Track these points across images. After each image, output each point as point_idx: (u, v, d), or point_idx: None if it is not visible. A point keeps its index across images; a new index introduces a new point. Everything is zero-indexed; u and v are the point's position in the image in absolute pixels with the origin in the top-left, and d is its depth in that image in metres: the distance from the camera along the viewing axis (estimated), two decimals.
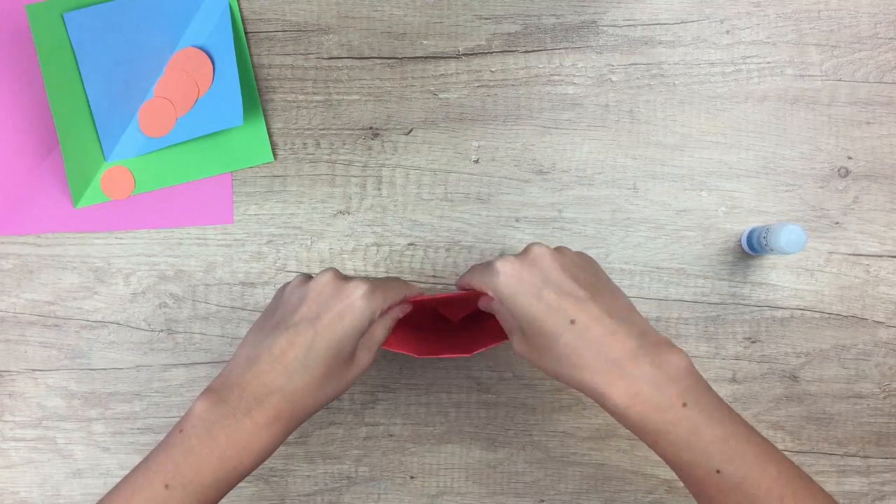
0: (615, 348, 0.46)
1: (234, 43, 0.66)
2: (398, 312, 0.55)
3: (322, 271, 0.52)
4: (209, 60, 0.66)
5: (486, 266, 0.53)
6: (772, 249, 0.62)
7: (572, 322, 0.47)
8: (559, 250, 0.52)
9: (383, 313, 0.53)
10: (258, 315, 0.66)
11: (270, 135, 0.68)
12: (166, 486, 0.45)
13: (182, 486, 0.46)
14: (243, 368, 0.48)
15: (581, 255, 0.54)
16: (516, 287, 0.50)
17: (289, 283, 0.54)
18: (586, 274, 0.51)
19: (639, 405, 0.45)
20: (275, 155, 0.68)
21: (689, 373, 0.46)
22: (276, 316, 0.51)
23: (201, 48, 0.66)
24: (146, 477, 0.46)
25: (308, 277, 0.53)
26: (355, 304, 0.50)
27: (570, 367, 0.47)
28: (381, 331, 0.53)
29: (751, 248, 0.67)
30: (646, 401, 0.45)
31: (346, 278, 0.52)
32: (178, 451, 0.46)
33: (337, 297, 0.50)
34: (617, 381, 0.46)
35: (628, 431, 0.54)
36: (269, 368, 0.48)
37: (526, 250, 0.52)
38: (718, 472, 0.44)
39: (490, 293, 0.52)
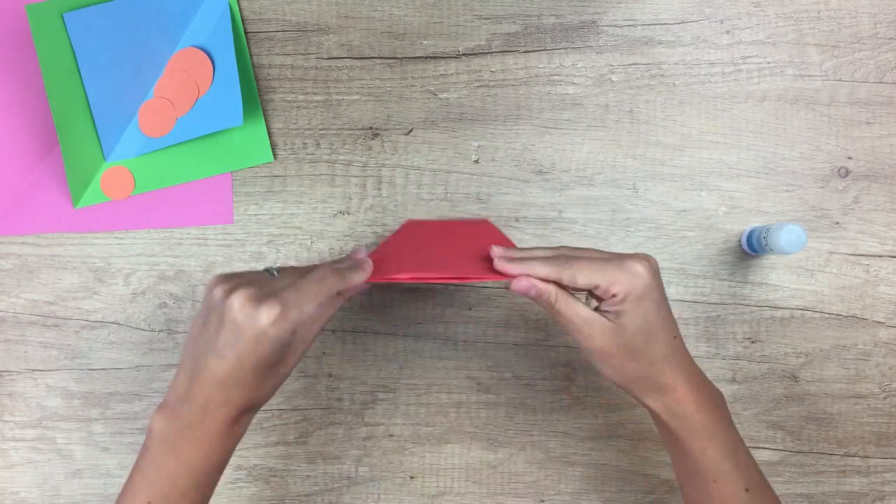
0: (695, 369, 0.56)
1: (234, 43, 0.66)
2: (329, 310, 0.54)
3: (232, 290, 0.51)
4: (209, 60, 0.66)
5: (613, 262, 0.53)
6: (772, 249, 0.62)
7: (675, 337, 0.55)
8: None
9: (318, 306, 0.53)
10: None
11: (270, 135, 0.68)
12: (149, 503, 0.51)
13: (163, 498, 0.51)
14: (188, 383, 0.51)
15: None
16: (646, 292, 0.53)
17: (214, 287, 0.53)
18: None
19: (703, 412, 0.55)
20: (275, 155, 0.68)
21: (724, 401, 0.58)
22: (204, 333, 0.52)
23: (201, 48, 0.66)
24: (128, 499, 0.52)
25: (229, 279, 0.52)
26: (268, 332, 0.50)
27: (658, 372, 0.54)
28: (306, 335, 0.53)
29: (751, 248, 0.67)
30: (708, 411, 0.55)
31: (258, 299, 0.51)
32: (150, 470, 0.51)
33: (250, 324, 0.50)
34: (694, 391, 0.55)
35: (628, 432, 0.69)
36: (209, 385, 0.51)
37: (647, 259, 0.54)
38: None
39: (609, 288, 0.53)
